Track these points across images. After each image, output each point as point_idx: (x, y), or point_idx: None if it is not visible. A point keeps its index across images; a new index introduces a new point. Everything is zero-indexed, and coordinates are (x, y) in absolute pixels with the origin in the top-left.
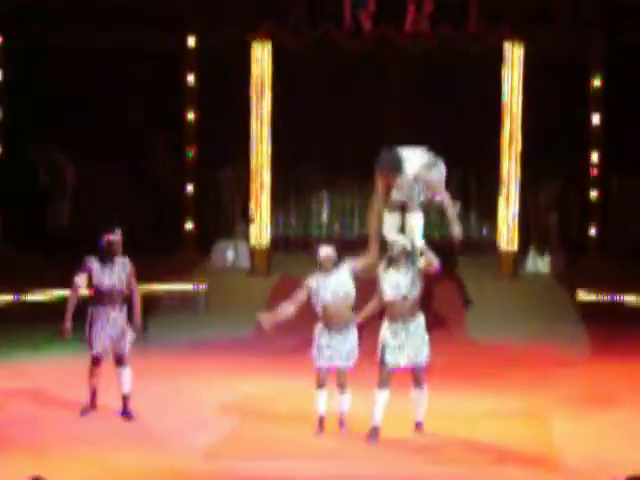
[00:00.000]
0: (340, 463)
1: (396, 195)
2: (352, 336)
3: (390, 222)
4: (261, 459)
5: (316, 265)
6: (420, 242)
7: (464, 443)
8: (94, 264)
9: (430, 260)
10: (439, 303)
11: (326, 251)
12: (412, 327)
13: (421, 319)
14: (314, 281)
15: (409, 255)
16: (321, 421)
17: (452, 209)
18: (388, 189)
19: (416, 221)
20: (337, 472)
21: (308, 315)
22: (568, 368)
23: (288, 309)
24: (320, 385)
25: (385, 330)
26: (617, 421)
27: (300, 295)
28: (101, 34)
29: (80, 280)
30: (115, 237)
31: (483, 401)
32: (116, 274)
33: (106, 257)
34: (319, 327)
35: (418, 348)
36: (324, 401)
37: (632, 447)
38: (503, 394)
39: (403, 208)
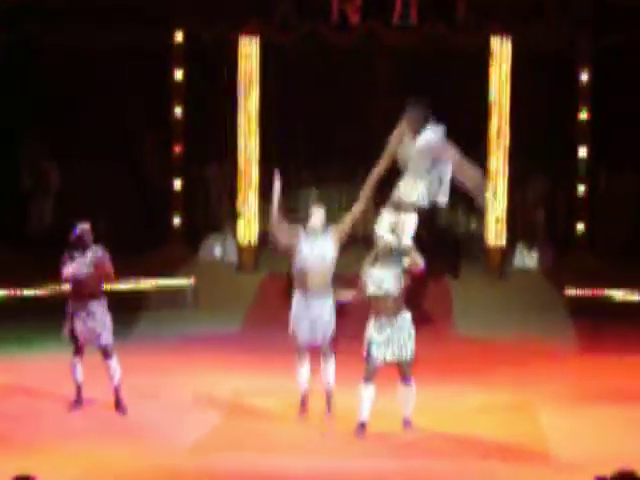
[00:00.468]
0: (327, 458)
1: (405, 151)
2: (329, 306)
3: (385, 219)
4: (248, 454)
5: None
6: (408, 242)
7: (453, 438)
8: (70, 258)
9: (415, 260)
10: (427, 299)
11: (318, 216)
12: (398, 322)
13: (407, 315)
14: (302, 240)
15: (394, 253)
16: (304, 401)
17: (473, 172)
18: (399, 139)
19: (409, 221)
20: (324, 467)
21: None
22: (556, 363)
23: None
24: (301, 362)
25: (371, 326)
26: (606, 416)
27: (293, 228)
28: (91, 32)
29: (68, 270)
30: (84, 227)
31: (471, 396)
32: (92, 264)
33: (79, 249)
34: (297, 296)
35: (404, 343)
36: (306, 378)
37: (621, 441)
38: (491, 389)
39: (400, 208)
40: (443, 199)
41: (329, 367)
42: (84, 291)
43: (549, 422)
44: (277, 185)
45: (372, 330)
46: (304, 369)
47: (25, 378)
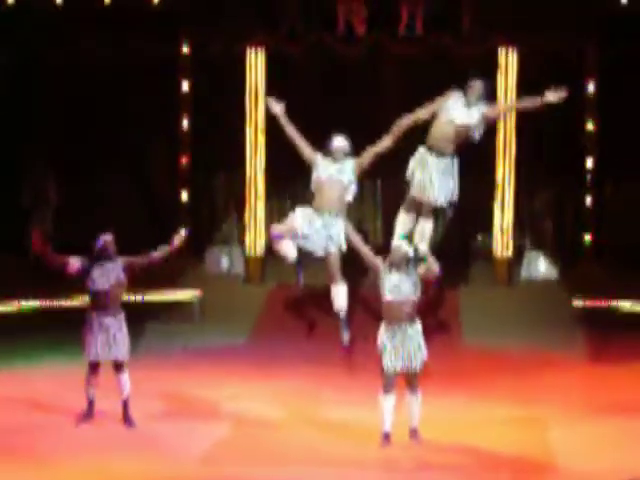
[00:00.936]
0: (337, 469)
1: (451, 109)
2: (340, 223)
3: (403, 221)
4: (257, 465)
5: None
6: (424, 248)
7: (461, 450)
8: (90, 265)
9: (431, 266)
10: (435, 310)
11: (339, 141)
12: (409, 332)
13: (418, 325)
14: (320, 159)
15: (411, 260)
16: (299, 263)
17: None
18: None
19: (427, 227)
20: (333, 478)
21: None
22: (565, 375)
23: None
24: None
25: (383, 334)
26: (616, 427)
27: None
28: (96, 42)
29: (74, 260)
30: (107, 238)
31: (479, 408)
32: (113, 276)
33: (101, 259)
34: (309, 209)
35: (413, 353)
36: (290, 246)
37: (629, 453)
38: (500, 401)
39: (414, 208)
40: (455, 198)
41: (340, 292)
42: (100, 304)
43: (558, 434)
44: (279, 110)
45: (384, 338)
46: (287, 242)
47: (34, 392)
